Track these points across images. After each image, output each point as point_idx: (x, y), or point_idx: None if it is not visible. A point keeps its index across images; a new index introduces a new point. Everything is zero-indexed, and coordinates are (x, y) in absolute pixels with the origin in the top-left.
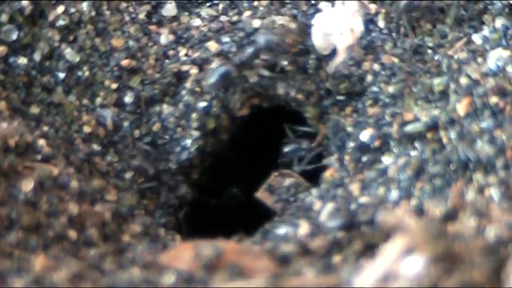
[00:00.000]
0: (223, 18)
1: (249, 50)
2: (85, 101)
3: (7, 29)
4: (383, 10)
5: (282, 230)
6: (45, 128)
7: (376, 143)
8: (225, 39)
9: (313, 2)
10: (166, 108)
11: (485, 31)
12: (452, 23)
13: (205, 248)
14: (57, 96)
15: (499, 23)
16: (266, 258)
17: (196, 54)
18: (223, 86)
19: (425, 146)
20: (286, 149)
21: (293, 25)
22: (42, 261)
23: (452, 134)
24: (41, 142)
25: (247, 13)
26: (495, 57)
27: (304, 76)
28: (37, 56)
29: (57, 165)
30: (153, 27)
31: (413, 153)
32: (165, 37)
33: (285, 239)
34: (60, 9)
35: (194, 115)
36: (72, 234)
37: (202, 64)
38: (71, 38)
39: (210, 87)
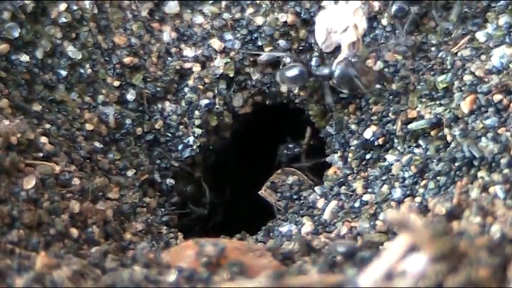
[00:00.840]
0: (226, 15)
1: (325, 70)
2: (87, 99)
3: (9, 26)
4: (386, 7)
5: (285, 228)
6: (47, 126)
7: (380, 141)
8: (228, 36)
9: None
10: (168, 106)
11: (489, 28)
12: (456, 20)
13: (207, 246)
14: (59, 93)
15: (503, 20)
16: (269, 256)
17: (199, 52)
18: (296, 83)
19: (429, 144)
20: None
21: (375, 69)
22: (44, 259)
23: (456, 132)
24: (43, 140)
25: (250, 10)
26: (499, 55)
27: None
28: (39, 54)
29: (59, 162)
30: (155, 25)
31: (417, 150)
32: (167, 34)
33: (288, 237)
34: (63, 6)
35: (197, 112)
36: (74, 232)
37: (204, 61)
38: (73, 35)
39: (288, 79)
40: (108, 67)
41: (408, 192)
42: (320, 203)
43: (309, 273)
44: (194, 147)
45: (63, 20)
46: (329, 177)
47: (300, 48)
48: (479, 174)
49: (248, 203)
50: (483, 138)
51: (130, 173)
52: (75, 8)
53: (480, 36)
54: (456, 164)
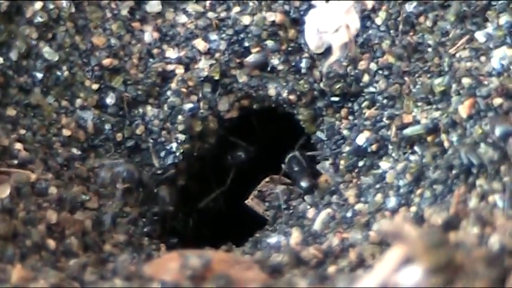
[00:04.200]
0: (210, 14)
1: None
2: (64, 103)
3: None
4: (381, 6)
5: (273, 239)
6: (22, 131)
7: (373, 147)
8: (213, 37)
9: None
10: (150, 110)
11: (489, 28)
12: (454, 19)
13: (192, 258)
14: (35, 97)
15: (504, 19)
16: (257, 269)
17: (182, 53)
18: None
19: (425, 150)
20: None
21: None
22: (19, 271)
23: (454, 137)
24: (18, 146)
25: (236, 9)
26: (499, 56)
27: (297, 76)
28: (13, 55)
29: (35, 170)
30: (136, 24)
31: (412, 157)
32: (149, 35)
33: (277, 249)
34: (38, 5)
35: (180, 117)
36: (51, 243)
37: (188, 63)
38: (50, 35)
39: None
40: (86, 69)
41: (403, 201)
42: (310, 213)
43: (298, 286)
44: (177, 153)
45: (39, 19)
46: (320, 186)
47: (289, 49)
48: (478, 182)
49: (235, 212)
50: (482, 145)
51: (109, 181)
52: (51, 6)
53: (480, 36)
54: (453, 172)
